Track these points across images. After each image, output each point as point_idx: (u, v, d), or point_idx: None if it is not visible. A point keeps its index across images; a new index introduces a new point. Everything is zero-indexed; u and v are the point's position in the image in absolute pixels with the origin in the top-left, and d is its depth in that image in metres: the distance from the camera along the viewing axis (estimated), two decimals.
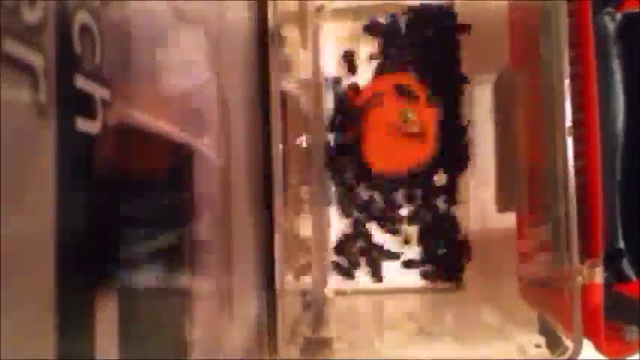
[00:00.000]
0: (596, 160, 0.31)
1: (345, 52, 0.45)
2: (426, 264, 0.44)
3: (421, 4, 0.44)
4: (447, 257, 0.44)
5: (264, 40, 0.34)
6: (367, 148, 0.44)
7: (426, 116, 0.43)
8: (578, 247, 0.30)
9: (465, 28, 0.44)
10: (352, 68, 0.45)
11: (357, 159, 0.44)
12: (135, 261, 0.20)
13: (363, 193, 0.44)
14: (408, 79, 0.44)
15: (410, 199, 0.44)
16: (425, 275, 0.44)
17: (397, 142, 0.43)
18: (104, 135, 0.17)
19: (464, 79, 0.44)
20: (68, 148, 0.15)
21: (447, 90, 0.44)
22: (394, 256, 0.44)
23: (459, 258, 0.44)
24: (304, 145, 0.40)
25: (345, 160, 0.44)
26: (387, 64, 0.45)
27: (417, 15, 0.44)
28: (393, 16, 0.44)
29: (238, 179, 0.32)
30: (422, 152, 0.43)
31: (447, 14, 0.44)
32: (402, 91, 0.43)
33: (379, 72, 0.45)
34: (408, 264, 0.44)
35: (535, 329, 0.33)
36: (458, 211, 0.44)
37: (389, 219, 0.44)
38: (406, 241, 0.44)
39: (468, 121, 0.44)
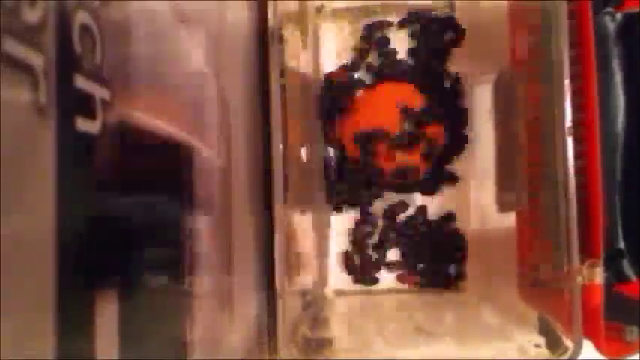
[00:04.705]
0: (596, 160, 0.31)
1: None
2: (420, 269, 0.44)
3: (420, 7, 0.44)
4: (442, 262, 0.44)
5: (264, 40, 0.34)
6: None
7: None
8: (578, 247, 0.30)
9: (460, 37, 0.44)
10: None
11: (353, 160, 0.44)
12: (135, 261, 0.20)
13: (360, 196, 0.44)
14: (407, 88, 0.43)
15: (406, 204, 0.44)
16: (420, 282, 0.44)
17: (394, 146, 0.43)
18: (104, 135, 0.17)
19: (457, 81, 0.44)
20: (68, 148, 0.15)
21: (445, 96, 0.44)
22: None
23: (456, 262, 0.44)
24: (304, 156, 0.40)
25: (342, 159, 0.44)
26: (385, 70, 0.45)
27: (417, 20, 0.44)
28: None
29: (238, 179, 0.32)
30: (418, 157, 0.43)
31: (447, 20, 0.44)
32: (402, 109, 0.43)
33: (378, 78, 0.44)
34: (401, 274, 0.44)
35: (535, 329, 0.33)
36: (457, 212, 0.44)
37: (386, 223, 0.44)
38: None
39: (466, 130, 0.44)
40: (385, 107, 0.43)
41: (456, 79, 0.44)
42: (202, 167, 0.26)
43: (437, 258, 0.43)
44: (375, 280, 0.43)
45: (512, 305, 0.37)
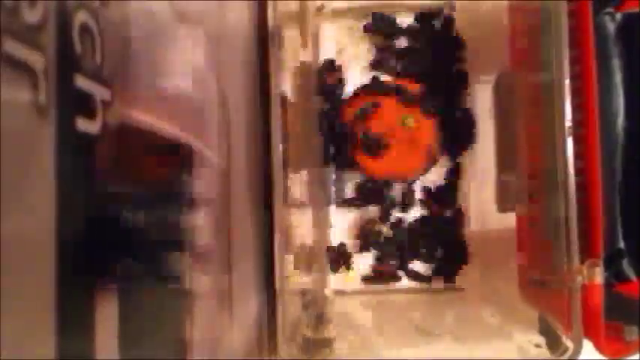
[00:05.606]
0: (596, 160, 0.31)
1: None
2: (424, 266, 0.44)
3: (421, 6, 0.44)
4: (444, 259, 0.44)
5: (264, 40, 0.34)
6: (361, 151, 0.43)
7: (424, 123, 0.43)
8: (578, 247, 0.30)
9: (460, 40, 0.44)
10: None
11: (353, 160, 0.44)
12: (135, 261, 0.20)
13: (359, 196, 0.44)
14: (408, 84, 0.43)
15: (406, 201, 0.44)
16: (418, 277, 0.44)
17: (394, 147, 0.43)
18: (104, 135, 0.17)
19: (464, 79, 0.44)
20: (68, 148, 0.15)
21: (447, 94, 0.44)
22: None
23: (456, 260, 0.44)
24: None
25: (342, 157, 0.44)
26: (385, 68, 0.45)
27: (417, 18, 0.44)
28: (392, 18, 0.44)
29: (238, 179, 0.32)
30: (418, 158, 0.43)
31: (445, 19, 0.44)
32: (403, 95, 0.43)
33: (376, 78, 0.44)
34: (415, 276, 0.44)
35: (535, 329, 0.33)
36: (457, 212, 0.44)
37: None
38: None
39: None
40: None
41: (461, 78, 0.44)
42: (202, 167, 0.26)
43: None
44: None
45: (512, 305, 0.37)
